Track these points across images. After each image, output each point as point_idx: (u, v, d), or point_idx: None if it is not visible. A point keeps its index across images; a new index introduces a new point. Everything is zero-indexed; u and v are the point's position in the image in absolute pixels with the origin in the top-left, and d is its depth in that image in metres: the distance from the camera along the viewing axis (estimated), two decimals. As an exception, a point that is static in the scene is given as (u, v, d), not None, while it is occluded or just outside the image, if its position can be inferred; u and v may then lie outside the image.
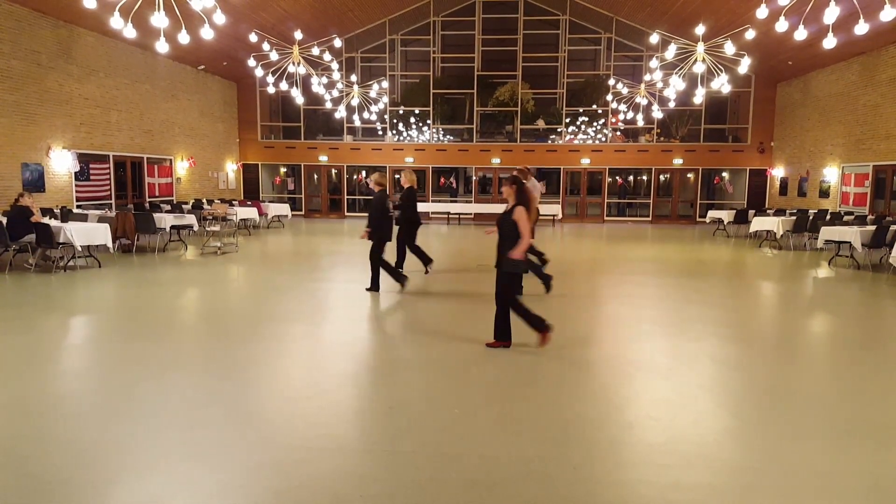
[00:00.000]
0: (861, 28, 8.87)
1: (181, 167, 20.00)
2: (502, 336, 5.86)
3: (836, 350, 6.28)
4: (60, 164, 14.50)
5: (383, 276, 8.62)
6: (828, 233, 12.41)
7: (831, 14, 8.16)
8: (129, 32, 8.50)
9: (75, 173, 14.98)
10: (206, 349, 5.84)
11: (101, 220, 11.91)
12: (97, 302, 8.14)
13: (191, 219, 13.83)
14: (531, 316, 5.74)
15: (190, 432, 3.89)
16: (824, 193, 19.29)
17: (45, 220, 10.35)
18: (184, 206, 16.74)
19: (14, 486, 3.18)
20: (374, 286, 8.58)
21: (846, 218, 14.94)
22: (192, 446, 3.69)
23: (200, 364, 5.38)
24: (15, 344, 5.86)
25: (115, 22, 8.13)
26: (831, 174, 18.90)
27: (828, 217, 15.40)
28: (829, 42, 9.01)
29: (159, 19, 8.19)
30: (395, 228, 9.25)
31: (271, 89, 14.01)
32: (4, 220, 9.96)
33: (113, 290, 8.92)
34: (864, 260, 11.77)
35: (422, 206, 22.79)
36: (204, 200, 19.10)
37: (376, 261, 8.50)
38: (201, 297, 8.64)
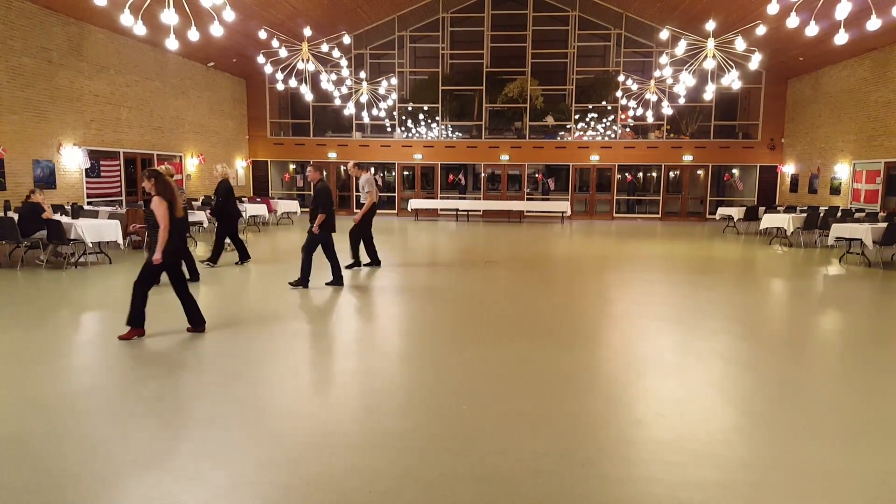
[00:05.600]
0: (873, 24, 8.77)
1: (191, 164, 20.08)
2: (194, 323, 6.05)
3: (846, 348, 6.24)
4: (71, 160, 14.60)
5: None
6: (839, 230, 12.31)
7: (843, 9, 8.08)
8: (139, 29, 8.54)
9: (86, 170, 15.08)
10: (216, 346, 5.87)
11: (111, 216, 11.99)
12: (108, 298, 8.19)
13: (201, 215, 13.89)
14: (138, 309, 5.77)
15: (199, 428, 3.93)
16: (835, 190, 19.15)
17: (57, 216, 10.43)
18: (194, 202, 16.81)
19: (27, 482, 3.22)
20: (193, 277, 8.79)
21: (857, 215, 14.82)
22: (202, 442, 3.72)
23: (210, 361, 5.41)
24: (27, 340, 5.91)
25: (126, 19, 8.17)
26: (842, 171, 18.75)
27: (839, 214, 15.29)
28: (841, 38, 8.92)
29: (169, 16, 8.22)
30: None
31: (280, 86, 14.04)
32: (16, 217, 10.04)
33: (123, 286, 8.94)
34: (875, 257, 11.67)
35: (430, 203, 23.08)
36: (213, 197, 19.15)
37: (186, 253, 8.60)
38: (210, 294, 8.68)
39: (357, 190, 11.48)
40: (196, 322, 6.11)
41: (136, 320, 5.81)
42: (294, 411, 4.28)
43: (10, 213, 10.72)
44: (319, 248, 8.65)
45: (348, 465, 3.46)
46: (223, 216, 10.32)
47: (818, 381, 5.15)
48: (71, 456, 3.51)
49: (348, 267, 10.04)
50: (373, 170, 25.42)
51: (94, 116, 15.44)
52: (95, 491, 3.14)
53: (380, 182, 26.35)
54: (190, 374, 4.99)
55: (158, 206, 5.64)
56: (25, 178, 13.33)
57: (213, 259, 10.41)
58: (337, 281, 8.81)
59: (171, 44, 8.80)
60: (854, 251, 12.10)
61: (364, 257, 10.49)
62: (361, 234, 10.23)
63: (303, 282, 8.61)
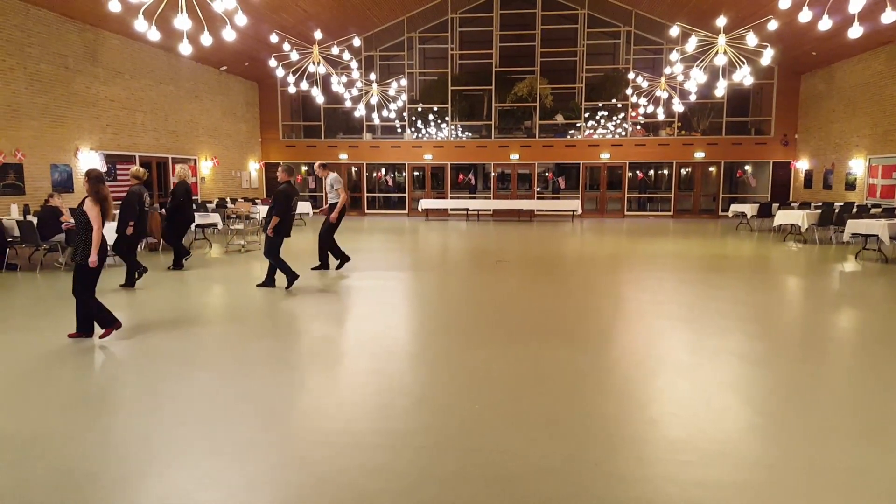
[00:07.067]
0: (888, 16, 8.68)
1: (205, 167, 20.26)
2: (80, 328, 5.95)
3: (862, 346, 6.19)
4: (88, 164, 14.79)
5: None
6: (854, 226, 12.20)
7: (857, 3, 8.01)
8: (153, 35, 8.63)
9: (103, 174, 15.26)
10: (232, 346, 5.94)
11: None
12: (125, 300, 8.29)
13: (215, 217, 14.03)
14: (99, 312, 5.81)
15: (215, 428, 3.98)
16: (850, 186, 18.94)
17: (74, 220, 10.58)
18: (208, 205, 16.97)
19: (44, 481, 3.29)
20: (129, 282, 8.80)
21: (873, 210, 14.66)
22: (218, 442, 3.78)
23: (226, 361, 5.47)
24: (45, 341, 6.00)
25: (140, 25, 8.27)
26: (857, 166, 18.55)
27: (854, 210, 15.13)
28: (855, 31, 8.85)
29: (182, 22, 8.31)
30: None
31: (292, 89, 14.12)
32: (35, 221, 10.20)
33: (140, 287, 9.07)
34: (892, 253, 11.56)
35: (440, 203, 23.12)
36: (228, 199, 19.34)
37: (126, 253, 8.77)
38: (226, 295, 8.77)
39: (320, 190, 11.35)
40: (83, 329, 5.97)
41: (105, 321, 5.89)
42: (308, 411, 4.33)
43: (30, 217, 10.89)
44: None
45: (362, 464, 3.50)
46: (175, 217, 10.35)
47: (833, 379, 5.12)
48: (88, 455, 3.57)
49: (339, 266, 10.18)
50: (383, 169, 25.57)
51: (110, 121, 15.63)
52: (112, 490, 3.20)
53: (390, 182, 26.42)
54: (203, 373, 5.05)
55: (91, 209, 5.69)
56: (44, 183, 13.53)
57: (177, 263, 10.37)
58: (268, 282, 8.80)
59: (185, 49, 8.89)
60: (870, 247, 11.98)
61: (316, 260, 10.36)
62: (332, 233, 10.15)
63: (290, 281, 8.72)
